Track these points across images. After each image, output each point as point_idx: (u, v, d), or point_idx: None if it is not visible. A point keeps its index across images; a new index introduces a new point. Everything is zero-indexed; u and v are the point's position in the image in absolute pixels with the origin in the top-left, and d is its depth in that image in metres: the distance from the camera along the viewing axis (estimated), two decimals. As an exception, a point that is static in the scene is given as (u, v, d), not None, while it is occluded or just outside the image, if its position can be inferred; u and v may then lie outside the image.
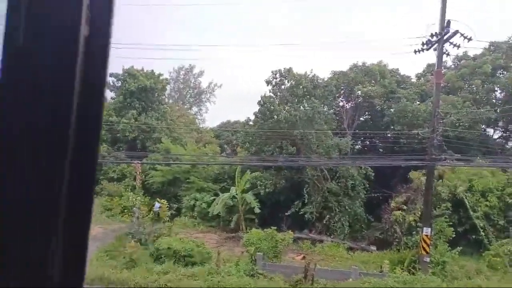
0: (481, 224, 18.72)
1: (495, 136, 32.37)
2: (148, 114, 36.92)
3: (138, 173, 21.00)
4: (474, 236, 19.27)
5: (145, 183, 27.86)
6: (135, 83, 35.94)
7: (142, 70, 38.01)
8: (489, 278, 14.94)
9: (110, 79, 38.57)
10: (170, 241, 16.82)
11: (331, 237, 23.02)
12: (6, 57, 0.84)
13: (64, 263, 0.90)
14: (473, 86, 30.55)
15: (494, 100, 30.08)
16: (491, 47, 32.59)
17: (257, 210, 24.04)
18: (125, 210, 24.95)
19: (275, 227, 18.45)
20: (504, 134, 32.42)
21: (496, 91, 30.50)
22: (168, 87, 44.47)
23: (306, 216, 24.37)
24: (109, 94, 40.02)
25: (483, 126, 30.96)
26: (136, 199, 20.93)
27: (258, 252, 16.23)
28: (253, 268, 14.98)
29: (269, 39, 70.51)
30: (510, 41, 30.68)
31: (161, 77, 39.21)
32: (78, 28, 0.86)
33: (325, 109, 33.55)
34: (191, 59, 58.43)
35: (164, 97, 41.61)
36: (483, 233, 18.43)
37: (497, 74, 30.17)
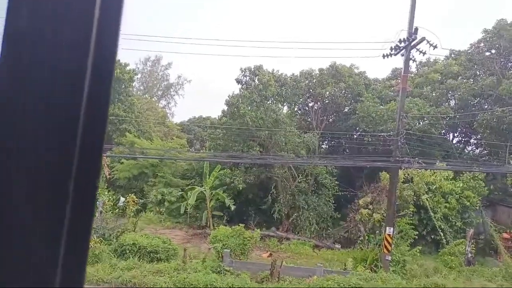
0: (440, 225, 19.60)
1: (454, 141, 33.94)
2: (115, 106, 35.79)
3: (104, 166, 20.31)
4: (433, 236, 20.16)
5: (110, 177, 27.05)
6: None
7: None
8: (445, 276, 15.68)
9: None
10: (135, 236, 16.42)
11: (298, 235, 23.35)
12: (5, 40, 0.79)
13: (66, 263, 0.86)
14: (429, 91, 31.84)
15: (447, 106, 31.13)
16: (452, 55, 34.19)
17: (230, 208, 23.99)
18: (88, 204, 24.07)
19: (243, 225, 18.44)
20: (462, 139, 34.08)
21: (450, 99, 31.88)
22: (135, 79, 43.16)
23: (274, 214, 24.58)
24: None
25: (443, 131, 32.41)
26: (99, 193, 20.23)
27: (225, 249, 16.17)
28: (220, 265, 14.90)
29: (244, 34, 70.38)
30: (470, 50, 32.15)
31: (127, 68, 38.02)
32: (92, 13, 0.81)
33: (296, 108, 33.99)
34: (162, 52, 57.26)
35: (131, 88, 40.44)
36: (441, 234, 19.32)
37: (449, 81, 31.40)
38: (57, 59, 0.81)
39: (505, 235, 19.98)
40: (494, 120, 26.65)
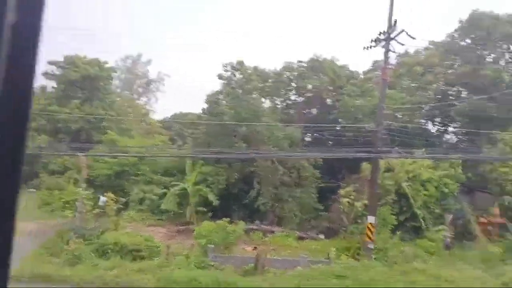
0: (420, 213, 19.98)
1: (433, 130, 34.56)
2: (93, 104, 35.11)
3: (83, 165, 19.92)
4: (413, 223, 20.52)
5: (90, 176, 26.55)
6: (76, 72, 34.03)
7: (85, 57, 35.99)
8: (425, 261, 16.00)
9: (49, 68, 36.22)
10: (116, 235, 16.24)
11: (282, 227, 23.44)
12: None
13: None
14: (409, 83, 32.32)
15: (426, 96, 31.54)
16: (430, 46, 34.75)
17: (214, 204, 23.90)
18: (67, 205, 23.57)
19: (228, 219, 18.39)
20: (441, 128, 34.73)
21: (429, 89, 32.32)
22: (115, 76, 42.37)
23: (258, 207, 24.60)
24: (49, 83, 37.56)
25: (422, 120, 32.96)
26: (79, 193, 19.88)
27: (210, 244, 16.10)
28: (204, 260, 14.87)
29: (227, 28, 69.97)
30: (447, 40, 32.68)
31: (106, 65, 37.35)
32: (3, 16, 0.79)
33: (278, 102, 34.02)
34: (141, 49, 56.46)
35: (110, 86, 39.73)
36: (422, 220, 19.69)
37: (429, 71, 31.88)
38: None
39: (482, 220, 20.53)
40: (471, 108, 27.25)
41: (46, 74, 36.18)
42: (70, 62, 34.84)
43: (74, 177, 25.76)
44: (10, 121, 0.79)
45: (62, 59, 35.64)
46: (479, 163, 24.78)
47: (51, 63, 35.82)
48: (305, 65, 33.09)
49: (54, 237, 16.45)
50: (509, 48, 30.96)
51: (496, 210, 20.08)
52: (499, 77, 25.71)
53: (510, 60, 30.58)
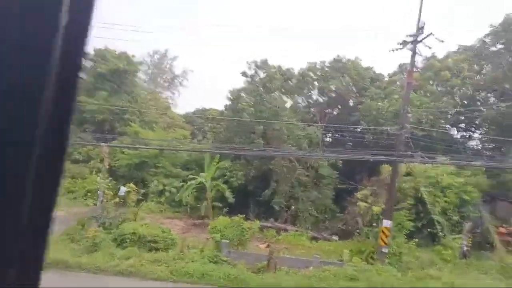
0: (438, 219, 19.61)
1: (458, 136, 33.70)
2: (120, 97, 36.04)
3: (105, 155, 20.53)
4: (429, 230, 20.16)
5: (112, 166, 27.29)
6: (106, 66, 34.95)
7: (115, 51, 36.90)
8: (440, 269, 15.76)
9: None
10: (135, 226, 16.63)
11: (296, 226, 23.49)
12: None
13: (21, 263, 0.85)
14: (435, 88, 31.52)
15: (452, 101, 30.65)
16: (459, 50, 33.84)
17: (230, 200, 24.22)
18: (89, 194, 24.37)
19: (243, 216, 18.59)
20: (465, 134, 33.83)
21: (455, 94, 31.44)
22: (141, 70, 43.38)
23: (274, 205, 24.73)
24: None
25: (447, 125, 32.18)
26: (101, 182, 20.50)
27: (224, 239, 16.33)
28: (218, 255, 15.09)
29: (252, 27, 70.11)
30: (477, 45, 31.75)
31: (134, 59, 38.25)
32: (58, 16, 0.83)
33: (300, 100, 33.96)
34: (168, 43, 57.43)
35: (137, 79, 40.68)
36: (439, 227, 19.33)
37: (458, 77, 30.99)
38: (18, 59, 0.81)
39: (501, 230, 19.96)
40: (499, 115, 26.44)
41: (76, 67, 37.28)
42: (100, 55, 35.79)
43: (97, 167, 26.54)
44: (55, 116, 0.83)
45: (92, 52, 36.67)
46: (503, 172, 24.06)
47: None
48: (329, 65, 32.88)
49: (75, 225, 17.06)
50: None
51: (517, 221, 19.52)
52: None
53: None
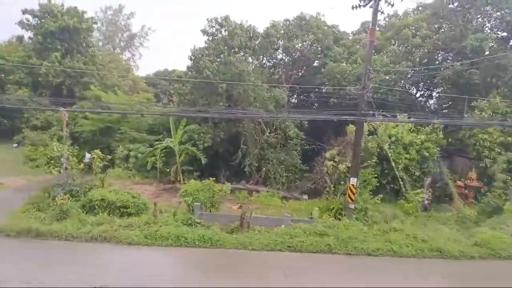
0: (401, 175, 20.68)
1: (418, 95, 34.94)
2: (74, 58, 33.89)
3: (65, 121, 19.52)
4: (393, 186, 21.30)
5: (74, 132, 26.17)
6: (55, 23, 32.40)
7: (62, 6, 34.15)
8: (403, 221, 16.82)
9: (24, 17, 34.34)
10: (103, 192, 16.25)
11: (267, 187, 23.97)
12: None
13: None
14: (396, 47, 31.96)
15: (411, 60, 31.21)
16: (419, 7, 34.22)
17: (202, 162, 24.05)
18: (52, 161, 23.41)
19: (214, 179, 18.65)
20: (424, 93, 35.12)
21: (415, 52, 32.00)
22: (94, 28, 40.55)
23: (244, 168, 24.93)
24: (25, 34, 35.77)
25: (407, 85, 33.16)
26: (64, 149, 19.63)
27: (196, 202, 16.40)
28: (191, 217, 15.16)
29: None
30: (436, 3, 32.07)
31: (85, 16, 35.62)
32: None
33: (264, 61, 33.44)
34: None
35: (91, 39, 38.19)
36: (401, 183, 20.43)
37: (417, 36, 31.50)
38: None
39: (459, 183, 21.42)
40: (455, 74, 27.47)
41: (21, 23, 34.39)
42: (47, 11, 33.06)
43: (58, 133, 25.36)
44: None
45: (37, 7, 33.83)
46: (460, 129, 25.44)
47: (25, 11, 33.92)
48: (293, 23, 32.19)
49: (41, 193, 16.43)
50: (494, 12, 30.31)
51: (473, 175, 20.92)
52: (480, 46, 25.73)
53: (494, 26, 30.19)
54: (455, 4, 30.38)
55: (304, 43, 31.18)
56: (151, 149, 25.41)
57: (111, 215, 14.89)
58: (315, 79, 32.10)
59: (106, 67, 37.94)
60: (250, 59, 30.82)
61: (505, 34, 28.65)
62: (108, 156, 22.86)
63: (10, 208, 15.01)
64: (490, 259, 13.59)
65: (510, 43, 28.71)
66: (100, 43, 50.67)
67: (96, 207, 15.34)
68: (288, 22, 32.15)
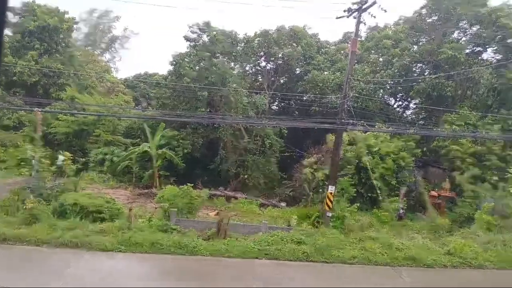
0: (377, 184, 20.96)
1: (395, 106, 35.68)
2: (51, 57, 33.06)
3: (39, 122, 18.92)
4: (370, 194, 21.55)
5: (48, 133, 25.39)
6: (35, 22, 31.61)
7: (45, 6, 33.41)
8: (379, 230, 17.00)
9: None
10: (76, 196, 15.74)
11: (246, 194, 23.84)
12: None
13: None
14: (376, 58, 32.71)
15: (389, 72, 31.88)
16: (400, 20, 35.14)
17: (180, 166, 23.74)
18: (23, 163, 22.57)
19: (191, 184, 18.38)
20: (402, 104, 35.88)
21: (394, 63, 32.72)
22: (77, 29, 39.82)
23: (222, 173, 24.75)
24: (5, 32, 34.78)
25: (386, 96, 33.82)
26: (36, 151, 18.99)
27: (172, 208, 16.10)
28: (166, 223, 14.87)
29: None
30: (415, 17, 32.97)
31: (66, 16, 34.95)
32: None
33: (247, 68, 33.53)
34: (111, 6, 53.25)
35: (70, 39, 37.38)
36: (378, 192, 20.71)
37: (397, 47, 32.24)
38: None
39: (433, 193, 21.92)
40: (429, 87, 28.18)
41: (1, 21, 33.42)
42: (28, 10, 32.25)
43: (30, 134, 24.54)
44: None
45: (18, 5, 32.96)
46: (433, 140, 26.06)
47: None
48: (276, 32, 32.54)
49: (10, 196, 15.77)
50: (469, 28, 31.40)
51: (447, 185, 21.45)
52: (456, 58, 26.58)
53: (469, 40, 31.20)
54: (433, 18, 31.36)
55: (287, 50, 31.39)
56: (127, 153, 24.91)
57: (83, 220, 14.41)
58: (297, 86, 32.37)
59: (84, 68, 37.14)
60: (232, 64, 30.84)
61: (480, 48, 29.65)
62: (82, 159, 22.29)
63: (-25, 211, 14.35)
64: (461, 268, 13.86)
65: (482, 57, 29.73)
66: (80, 43, 49.71)
67: (68, 211, 14.80)
68: (272, 31, 32.42)
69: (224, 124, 25.13)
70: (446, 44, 28.50)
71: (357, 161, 21.73)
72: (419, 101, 32.49)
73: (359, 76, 28.43)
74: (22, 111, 27.11)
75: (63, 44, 34.71)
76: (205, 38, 27.93)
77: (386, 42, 32.28)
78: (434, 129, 26.14)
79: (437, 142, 25.19)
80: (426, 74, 31.02)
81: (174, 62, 27.02)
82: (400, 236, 16.34)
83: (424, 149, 26.06)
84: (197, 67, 25.86)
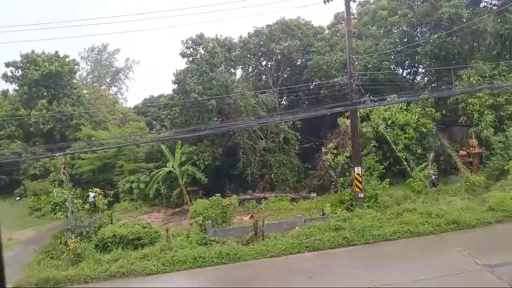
0: (403, 155, 20.66)
1: (404, 74, 35.07)
2: (61, 102, 34.00)
3: (63, 165, 19.51)
4: (398, 167, 21.26)
5: (74, 174, 26.11)
6: (37, 71, 32.59)
7: (44, 53, 34.41)
8: (415, 201, 16.78)
9: (8, 69, 34.57)
10: (113, 228, 16.14)
11: (274, 192, 23.89)
12: None
13: None
14: (375, 30, 32.20)
15: (392, 41, 31.22)
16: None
17: (203, 180, 24.07)
18: (57, 207, 23.29)
19: (220, 194, 18.58)
20: (410, 71, 35.24)
21: (394, 33, 32.15)
22: (80, 69, 41.00)
23: (247, 177, 24.89)
24: (10, 87, 35.95)
25: (392, 66, 33.26)
26: (66, 193, 19.60)
27: (207, 221, 16.30)
28: (204, 236, 15.07)
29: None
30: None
31: (67, 59, 35.93)
32: None
33: (250, 69, 33.62)
34: (104, 35, 54.53)
35: (75, 80, 38.39)
36: (405, 163, 20.41)
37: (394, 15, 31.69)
38: None
39: (462, 152, 21.41)
40: (434, 47, 27.54)
41: (6, 77, 34.63)
42: (29, 61, 33.30)
43: (58, 178, 25.31)
44: None
45: (19, 58, 34.09)
46: (449, 99, 25.42)
47: (8, 64, 34.15)
48: (270, 29, 32.46)
49: (52, 240, 16.31)
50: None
51: (474, 141, 20.87)
52: (457, 12, 25.88)
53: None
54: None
55: (285, 44, 31.26)
56: (153, 177, 25.34)
57: (125, 249, 14.76)
58: (301, 76, 32.25)
59: (93, 104, 38.04)
60: (232, 70, 30.96)
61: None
62: (111, 191, 22.82)
63: (24, 262, 14.90)
64: (506, 222, 13.55)
65: (481, 5, 28.84)
66: (85, 81, 51.04)
67: (109, 244, 15.20)
68: (270, 27, 32.36)
69: (239, 129, 25.25)
70: (441, 1, 27.80)
71: (374, 133, 21.41)
72: (427, 64, 31.85)
73: (362, 50, 28.09)
74: (45, 158, 27.96)
75: (69, 87, 35.63)
76: (201, 50, 28.13)
77: (382, 13, 31.87)
78: (448, 88, 25.55)
79: (452, 98, 24.51)
80: (427, 35, 30.35)
81: (178, 80, 27.34)
82: (438, 202, 16.09)
83: (443, 110, 25.46)
84: (199, 81, 26.07)
